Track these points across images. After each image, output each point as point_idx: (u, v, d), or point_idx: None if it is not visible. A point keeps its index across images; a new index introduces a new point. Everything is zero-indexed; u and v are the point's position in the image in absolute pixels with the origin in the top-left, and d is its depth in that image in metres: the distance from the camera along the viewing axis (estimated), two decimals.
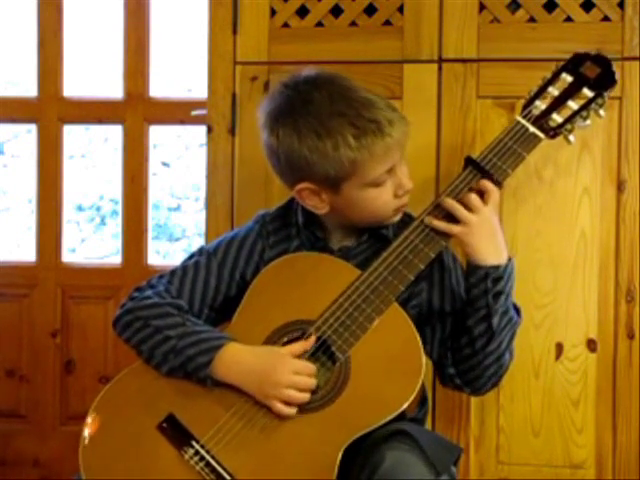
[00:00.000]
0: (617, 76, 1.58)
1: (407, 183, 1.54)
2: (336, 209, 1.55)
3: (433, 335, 1.60)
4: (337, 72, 1.56)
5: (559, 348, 1.90)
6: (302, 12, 1.98)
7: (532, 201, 1.90)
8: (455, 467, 1.50)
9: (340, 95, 1.49)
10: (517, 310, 1.57)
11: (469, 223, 1.49)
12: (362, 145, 1.46)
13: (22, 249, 3.63)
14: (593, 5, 1.88)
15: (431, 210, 1.52)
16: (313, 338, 1.47)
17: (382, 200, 1.52)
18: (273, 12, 1.99)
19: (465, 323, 1.52)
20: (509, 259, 1.52)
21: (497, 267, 1.49)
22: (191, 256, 1.64)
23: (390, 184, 1.52)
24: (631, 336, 1.87)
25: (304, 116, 1.48)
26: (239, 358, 1.47)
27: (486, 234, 1.49)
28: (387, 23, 1.95)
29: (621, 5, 1.87)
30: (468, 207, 1.50)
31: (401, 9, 1.94)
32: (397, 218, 1.58)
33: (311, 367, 1.46)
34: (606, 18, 1.87)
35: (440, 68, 1.92)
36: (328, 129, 1.46)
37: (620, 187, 1.87)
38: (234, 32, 1.99)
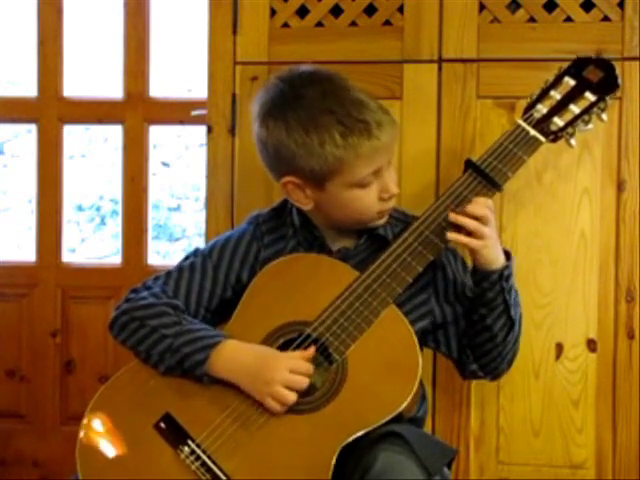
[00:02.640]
0: (620, 80, 1.57)
1: (393, 188, 1.53)
2: (320, 206, 1.54)
3: (447, 336, 1.60)
4: (335, 71, 1.56)
5: (559, 348, 1.90)
6: (302, 12, 1.98)
7: (532, 201, 1.90)
8: (449, 469, 1.50)
9: (332, 93, 1.49)
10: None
11: (485, 237, 1.48)
12: (348, 144, 1.46)
13: (22, 249, 3.62)
14: (593, 5, 1.88)
15: (441, 217, 1.49)
16: (313, 348, 1.46)
17: (366, 202, 1.52)
18: (273, 12, 1.99)
19: (484, 322, 1.53)
20: (508, 252, 1.54)
21: (507, 266, 1.50)
22: (186, 257, 1.63)
23: (375, 186, 1.51)
24: (631, 336, 1.87)
25: (295, 110, 1.49)
26: (235, 355, 1.47)
27: (495, 241, 1.51)
28: (387, 23, 1.95)
29: (621, 5, 1.87)
30: (476, 218, 1.48)
31: (401, 9, 1.94)
32: (381, 221, 1.57)
33: (308, 366, 1.45)
34: (606, 18, 1.87)
35: (440, 68, 1.92)
36: (316, 125, 1.47)
37: (620, 187, 1.87)
38: (234, 32, 1.99)
